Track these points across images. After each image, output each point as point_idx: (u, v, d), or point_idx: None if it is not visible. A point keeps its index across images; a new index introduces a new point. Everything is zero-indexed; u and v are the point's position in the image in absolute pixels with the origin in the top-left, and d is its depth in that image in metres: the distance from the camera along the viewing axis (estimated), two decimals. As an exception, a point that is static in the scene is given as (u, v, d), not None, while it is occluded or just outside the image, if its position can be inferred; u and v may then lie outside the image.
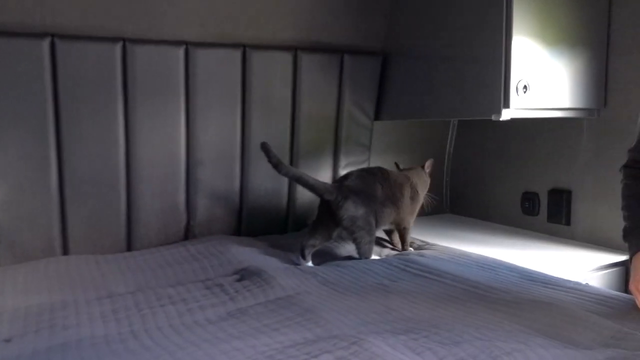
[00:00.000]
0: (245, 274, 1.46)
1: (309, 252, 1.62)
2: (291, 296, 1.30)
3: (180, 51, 1.77)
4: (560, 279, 1.44)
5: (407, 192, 1.75)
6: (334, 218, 1.59)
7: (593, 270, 1.75)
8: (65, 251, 1.68)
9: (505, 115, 1.66)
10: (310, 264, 1.62)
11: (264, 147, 1.63)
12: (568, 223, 2.00)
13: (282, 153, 1.99)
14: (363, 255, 1.63)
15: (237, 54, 1.85)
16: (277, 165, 1.63)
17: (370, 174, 1.70)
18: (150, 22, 1.74)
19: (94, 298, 1.31)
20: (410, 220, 1.78)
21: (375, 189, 1.66)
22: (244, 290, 1.33)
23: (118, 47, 1.68)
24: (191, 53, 1.78)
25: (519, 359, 0.95)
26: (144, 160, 1.76)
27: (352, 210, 1.59)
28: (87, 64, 1.64)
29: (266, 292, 1.32)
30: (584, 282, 1.62)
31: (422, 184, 1.81)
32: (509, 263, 1.58)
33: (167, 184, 1.81)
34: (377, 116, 2.15)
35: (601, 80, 1.83)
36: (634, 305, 1.20)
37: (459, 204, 2.45)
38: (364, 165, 2.16)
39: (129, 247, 1.76)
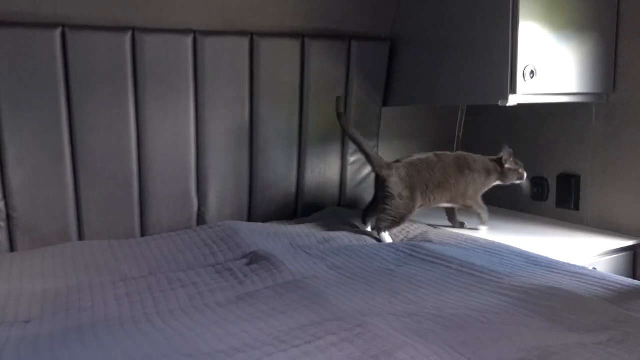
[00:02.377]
0: (254, 259, 1.49)
1: (368, 219, 1.85)
2: (299, 280, 1.33)
3: (189, 39, 1.79)
4: (565, 263, 1.45)
5: (457, 174, 1.82)
6: (381, 191, 1.77)
7: (601, 255, 1.75)
8: (81, 237, 1.73)
9: (512, 100, 1.66)
10: (369, 228, 1.84)
11: (338, 100, 1.80)
12: (577, 208, 2.01)
13: (291, 139, 2.01)
14: (378, 230, 1.75)
15: (244, 42, 1.87)
16: (341, 118, 1.81)
17: (425, 157, 1.82)
18: (159, 11, 1.76)
19: (108, 282, 1.35)
20: (469, 201, 1.86)
21: (424, 170, 1.79)
22: (252, 275, 1.37)
23: (128, 37, 1.70)
24: (199, 41, 1.80)
25: (517, 342, 0.97)
26: (155, 147, 1.79)
27: (393, 187, 1.73)
28: (97, 54, 1.67)
29: (274, 276, 1.35)
30: (590, 267, 1.63)
31: (482, 169, 1.85)
32: (515, 248, 1.60)
33: (177, 171, 1.84)
34: (386, 102, 2.16)
35: (610, 65, 1.82)
36: (635, 288, 1.21)
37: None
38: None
39: (142, 233, 1.81)
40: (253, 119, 1.93)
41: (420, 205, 1.81)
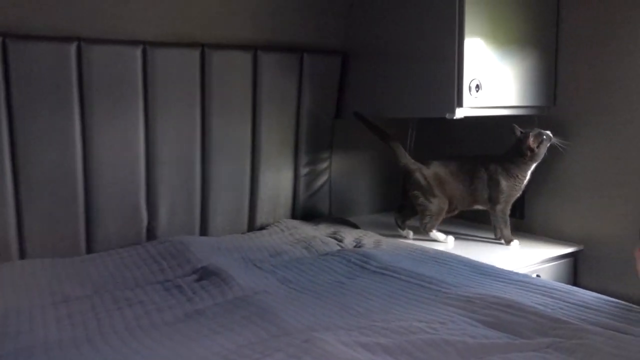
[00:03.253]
0: (204, 274, 1.47)
1: (405, 225, 1.99)
2: (249, 296, 1.32)
3: (138, 51, 1.76)
4: (510, 272, 1.50)
5: (479, 177, 1.88)
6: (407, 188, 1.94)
7: (545, 261, 1.82)
8: (22, 255, 1.66)
9: (459, 113, 1.71)
10: (405, 233, 1.99)
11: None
12: (522, 217, 2.08)
13: (243, 152, 2.00)
14: (427, 232, 1.92)
15: (195, 54, 1.85)
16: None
17: (451, 158, 1.96)
18: (106, 21, 1.72)
19: (49, 303, 1.30)
20: (494, 206, 1.88)
21: (448, 172, 1.91)
22: (201, 291, 1.35)
23: (73, 47, 1.66)
24: (149, 53, 1.77)
25: (462, 351, 0.99)
26: (103, 161, 1.74)
27: (421, 180, 1.90)
28: (40, 65, 1.62)
29: (224, 292, 1.34)
30: (534, 275, 1.69)
31: (504, 170, 1.85)
32: (463, 257, 1.63)
33: (126, 185, 1.80)
34: (338, 114, 2.18)
35: (551, 79, 1.90)
36: (573, 295, 1.25)
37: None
38: (326, 164, 2.19)
39: (88, 250, 1.75)
40: (205, 132, 1.91)
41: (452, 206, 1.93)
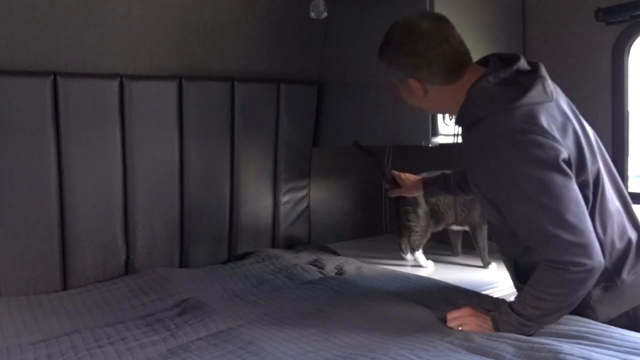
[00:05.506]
0: (186, 308, 1.46)
1: (405, 247, 1.98)
2: (233, 328, 1.31)
3: (115, 84, 1.76)
4: (487, 296, 1.53)
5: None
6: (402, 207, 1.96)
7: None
8: (-4, 293, 1.62)
9: (434, 141, 1.76)
10: (408, 256, 2.00)
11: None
12: (498, 239, 2.11)
13: (222, 181, 2.00)
14: (411, 251, 1.96)
15: (172, 86, 1.86)
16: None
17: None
18: (83, 55, 1.73)
19: (26, 343, 1.27)
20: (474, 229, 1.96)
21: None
22: (185, 325, 1.33)
23: (48, 82, 1.65)
24: (126, 86, 1.77)
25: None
26: (79, 195, 1.73)
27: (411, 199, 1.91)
28: (15, 99, 1.60)
29: (207, 325, 1.33)
30: (511, 298, 1.72)
31: None
32: (444, 283, 1.66)
33: (103, 218, 1.78)
34: (316, 143, 2.21)
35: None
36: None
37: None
38: (305, 192, 2.21)
39: (65, 286, 1.71)
40: (183, 163, 1.91)
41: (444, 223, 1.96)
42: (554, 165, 1.12)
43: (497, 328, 1.23)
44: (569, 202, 1.13)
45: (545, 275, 1.17)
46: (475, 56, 1.26)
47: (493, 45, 1.89)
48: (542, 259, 1.17)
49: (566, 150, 1.14)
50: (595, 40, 1.79)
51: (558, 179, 1.12)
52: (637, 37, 1.73)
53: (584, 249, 1.12)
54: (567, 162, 1.14)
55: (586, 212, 1.15)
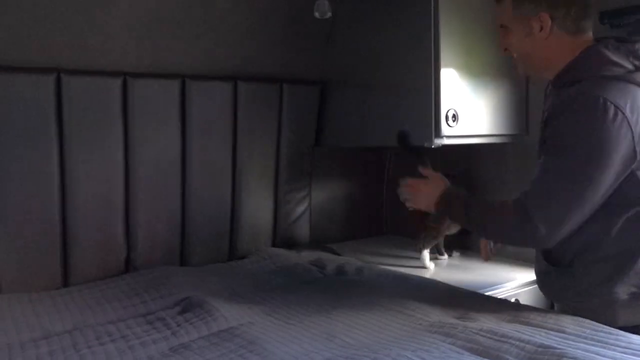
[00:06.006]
0: (187, 306, 1.45)
1: (425, 249, 1.97)
2: (234, 327, 1.31)
3: (118, 82, 1.76)
4: (489, 297, 1.53)
5: None
6: None
7: (522, 285, 1.86)
8: (-3, 290, 1.61)
9: (437, 142, 1.75)
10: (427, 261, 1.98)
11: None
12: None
13: (224, 181, 2.00)
14: (419, 250, 1.97)
15: (175, 85, 1.86)
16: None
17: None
18: (86, 52, 1.72)
19: (28, 340, 1.26)
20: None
21: None
22: (186, 324, 1.33)
23: (52, 79, 1.65)
24: (129, 84, 1.77)
25: (450, 380, 1.00)
26: (80, 192, 1.72)
27: None
28: (18, 96, 1.60)
29: (209, 324, 1.32)
30: (513, 299, 1.73)
31: None
32: (443, 284, 1.66)
33: (105, 216, 1.78)
34: (317, 143, 2.21)
35: (522, 109, 1.97)
36: (555, 319, 1.28)
37: (399, 225, 2.52)
38: (306, 191, 2.21)
39: (66, 284, 1.71)
40: (185, 162, 1.91)
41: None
42: (614, 149, 1.13)
43: (437, 203, 1.36)
44: (592, 184, 1.15)
45: (509, 207, 1.23)
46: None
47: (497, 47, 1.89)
48: (522, 197, 1.21)
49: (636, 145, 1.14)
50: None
51: (605, 162, 1.13)
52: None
53: (555, 225, 1.17)
54: (630, 156, 1.14)
55: (587, 208, 1.17)
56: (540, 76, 1.38)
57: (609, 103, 1.13)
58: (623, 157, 1.15)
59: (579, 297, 1.29)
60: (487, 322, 1.29)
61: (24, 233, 1.64)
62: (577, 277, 1.27)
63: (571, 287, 1.29)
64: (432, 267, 1.96)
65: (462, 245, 2.18)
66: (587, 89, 1.18)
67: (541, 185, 1.21)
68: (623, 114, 1.13)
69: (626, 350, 1.09)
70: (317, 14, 1.85)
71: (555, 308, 1.46)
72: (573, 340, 1.16)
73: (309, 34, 2.11)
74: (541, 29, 1.24)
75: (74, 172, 1.70)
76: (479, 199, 1.37)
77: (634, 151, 1.15)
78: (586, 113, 1.15)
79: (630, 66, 1.19)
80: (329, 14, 1.85)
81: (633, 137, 1.14)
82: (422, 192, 1.43)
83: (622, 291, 1.21)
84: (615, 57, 1.20)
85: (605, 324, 1.22)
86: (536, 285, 1.86)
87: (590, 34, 1.27)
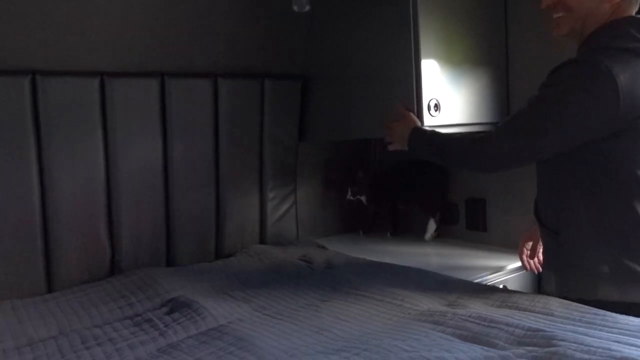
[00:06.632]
0: (175, 306, 1.44)
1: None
2: (223, 326, 1.29)
3: (95, 82, 1.73)
4: (477, 284, 1.54)
5: None
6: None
7: (509, 272, 1.87)
8: (-22, 299, 1.58)
9: (419, 133, 1.75)
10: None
11: None
12: (485, 229, 2.14)
13: (208, 179, 1.98)
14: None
15: (154, 83, 1.83)
16: None
17: None
18: (62, 53, 1.69)
19: (12, 348, 1.23)
20: None
21: None
22: (174, 324, 1.31)
23: (27, 81, 1.61)
24: (107, 83, 1.74)
25: (441, 367, 1.00)
26: (61, 195, 1.69)
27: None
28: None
29: (197, 323, 1.31)
30: (501, 286, 1.74)
31: None
32: (433, 272, 1.66)
33: (87, 219, 1.75)
34: (302, 138, 2.20)
35: (503, 96, 1.98)
36: (543, 303, 1.29)
37: (385, 219, 2.53)
38: (291, 187, 2.20)
39: (50, 289, 1.68)
40: (167, 160, 1.88)
41: None
42: (592, 101, 1.17)
43: (409, 136, 1.53)
44: (558, 119, 1.21)
45: (474, 134, 1.36)
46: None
47: (477, 36, 1.90)
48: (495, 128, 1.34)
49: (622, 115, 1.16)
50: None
51: (578, 105, 1.18)
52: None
53: (513, 149, 1.28)
54: (610, 116, 1.17)
55: (548, 142, 1.24)
56: (573, 38, 1.36)
57: (603, 65, 1.16)
58: (598, 112, 1.18)
59: (564, 265, 1.33)
60: (476, 309, 1.30)
61: (4, 239, 1.61)
62: (563, 245, 1.32)
63: (559, 254, 1.34)
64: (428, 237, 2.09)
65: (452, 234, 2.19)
66: (596, 60, 1.19)
67: (511, 117, 1.35)
68: (615, 77, 1.15)
69: (612, 329, 1.11)
70: (295, 8, 1.83)
71: (543, 279, 1.48)
72: (561, 323, 1.17)
73: (289, 29, 2.09)
74: None
75: (53, 175, 1.67)
76: (441, 135, 1.49)
77: (616, 115, 1.17)
78: (580, 71, 1.21)
79: None
80: (308, 7, 1.84)
81: (618, 100, 1.15)
82: (398, 129, 1.61)
83: (605, 265, 1.23)
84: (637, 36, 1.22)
85: (585, 297, 1.26)
86: (523, 272, 1.89)
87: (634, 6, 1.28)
